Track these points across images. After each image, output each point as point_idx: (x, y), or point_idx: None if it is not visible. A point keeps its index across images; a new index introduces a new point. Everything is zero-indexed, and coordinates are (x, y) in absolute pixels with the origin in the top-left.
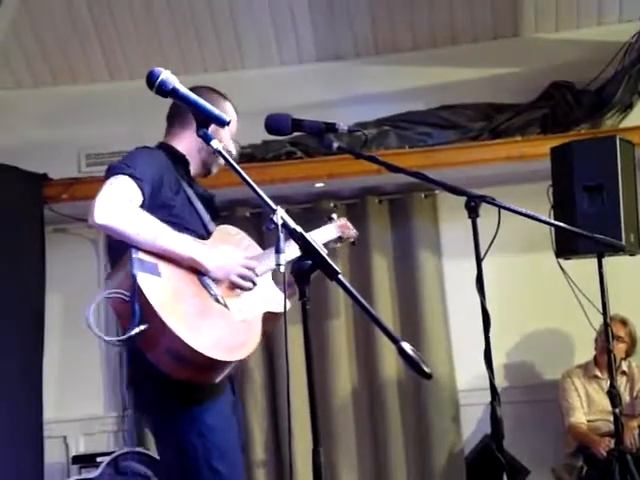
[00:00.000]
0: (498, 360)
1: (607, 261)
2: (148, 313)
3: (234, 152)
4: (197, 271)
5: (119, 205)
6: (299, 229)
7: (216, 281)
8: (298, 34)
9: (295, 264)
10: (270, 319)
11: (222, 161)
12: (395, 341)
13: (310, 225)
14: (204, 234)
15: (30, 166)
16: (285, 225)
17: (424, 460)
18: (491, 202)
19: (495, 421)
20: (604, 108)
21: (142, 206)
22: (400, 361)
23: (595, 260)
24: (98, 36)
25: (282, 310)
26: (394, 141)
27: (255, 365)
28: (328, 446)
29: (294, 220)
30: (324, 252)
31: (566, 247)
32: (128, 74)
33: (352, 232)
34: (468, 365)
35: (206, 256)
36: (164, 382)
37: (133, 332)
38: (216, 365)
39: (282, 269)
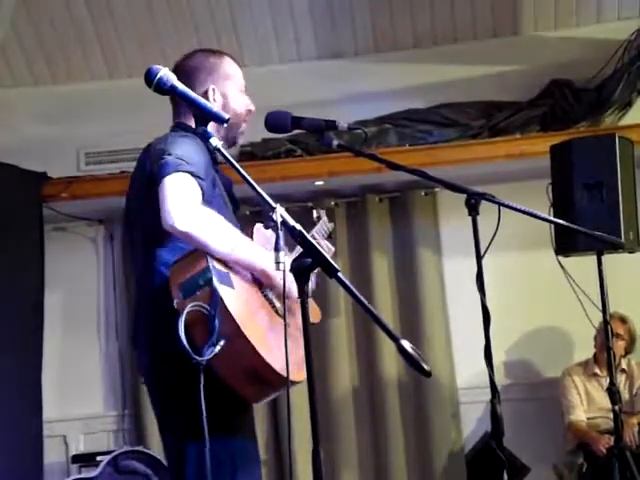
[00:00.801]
0: (498, 358)
1: (606, 258)
2: (230, 329)
3: (251, 107)
4: (259, 282)
5: (198, 211)
6: (298, 227)
7: (274, 293)
8: (298, 32)
9: (295, 262)
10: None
11: (245, 127)
12: (395, 339)
13: (310, 223)
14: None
15: (29, 165)
16: (284, 223)
17: (424, 458)
18: (491, 200)
19: (495, 419)
20: (603, 106)
21: None
22: (400, 359)
23: (594, 257)
24: (97, 35)
25: (316, 321)
26: (394, 139)
27: None
28: (328, 445)
29: (294, 218)
30: (328, 250)
31: (566, 245)
32: (127, 72)
33: (330, 225)
34: (468, 363)
35: (274, 272)
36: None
37: (217, 349)
38: (284, 385)
39: (281, 267)
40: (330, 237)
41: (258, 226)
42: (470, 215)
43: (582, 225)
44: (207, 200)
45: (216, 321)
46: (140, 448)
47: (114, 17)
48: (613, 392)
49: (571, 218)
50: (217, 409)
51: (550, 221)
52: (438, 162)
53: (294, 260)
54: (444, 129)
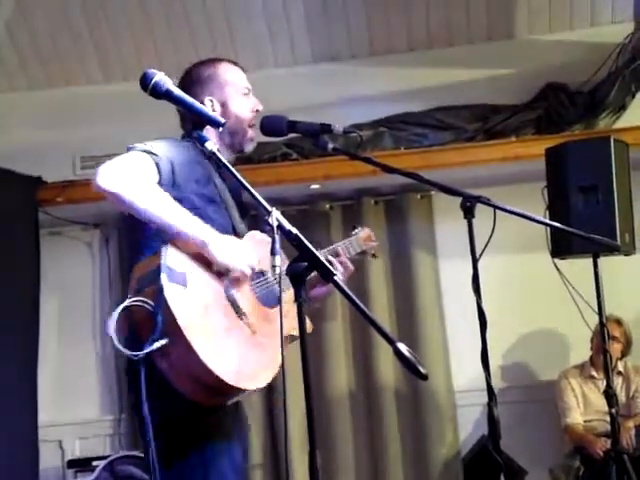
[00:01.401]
0: (494, 361)
1: (602, 261)
2: (172, 329)
3: (258, 107)
4: (223, 281)
5: (130, 173)
6: (294, 231)
7: (243, 296)
8: (293, 35)
9: (290, 266)
10: (289, 340)
11: (253, 133)
12: (391, 342)
13: (306, 227)
14: (230, 233)
15: (24, 169)
16: (280, 227)
17: (421, 461)
18: (487, 202)
19: (492, 422)
20: (598, 109)
21: (159, 184)
22: (397, 362)
23: (590, 260)
24: (92, 39)
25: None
26: (389, 142)
27: None
28: (325, 448)
29: (290, 222)
30: (343, 269)
31: (561, 247)
32: (122, 76)
33: (373, 244)
34: (464, 366)
35: (219, 241)
36: (176, 421)
37: (155, 346)
38: (234, 391)
39: (277, 270)
40: (374, 256)
41: (252, 233)
42: (466, 218)
43: (578, 228)
44: (184, 197)
45: (159, 318)
46: (136, 453)
47: (109, 22)
48: (610, 395)
49: (567, 221)
50: (181, 413)
51: (546, 224)
52: (433, 165)
53: (290, 264)
54: (439, 132)
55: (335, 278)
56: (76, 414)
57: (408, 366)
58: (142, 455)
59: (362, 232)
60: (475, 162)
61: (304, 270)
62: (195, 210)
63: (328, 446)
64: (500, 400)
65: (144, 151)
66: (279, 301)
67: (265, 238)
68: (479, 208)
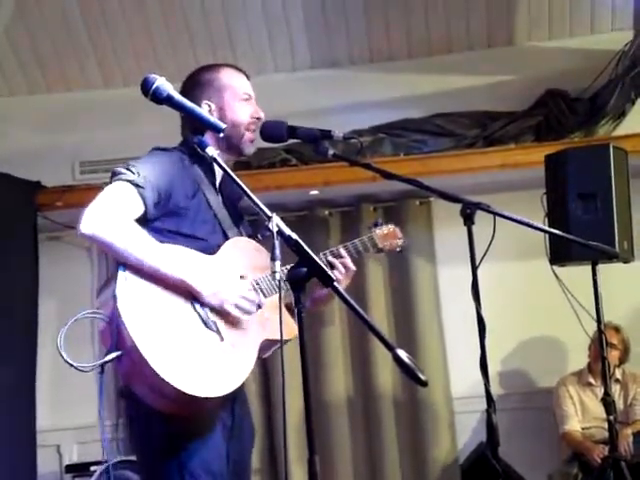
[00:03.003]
0: (493, 367)
1: (601, 268)
2: (125, 340)
3: (258, 115)
4: (191, 294)
5: (109, 216)
6: (294, 236)
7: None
8: (293, 41)
9: (290, 272)
10: (268, 345)
11: (252, 136)
12: (391, 348)
13: (305, 233)
14: (220, 242)
15: (24, 173)
16: (280, 232)
17: (419, 468)
18: (487, 209)
19: (491, 429)
20: (597, 116)
21: (144, 215)
22: (395, 368)
23: (589, 267)
24: (92, 44)
25: (290, 337)
26: (389, 148)
27: (250, 374)
28: (322, 454)
29: (289, 228)
30: (344, 270)
31: (560, 254)
32: (122, 81)
33: (398, 241)
34: (463, 373)
35: (200, 281)
36: (150, 424)
37: (107, 358)
38: (197, 401)
39: (277, 276)
40: (401, 252)
41: (234, 240)
42: (465, 225)
43: (577, 235)
44: (173, 211)
45: (114, 329)
46: (134, 458)
47: (109, 26)
48: (608, 402)
49: (566, 228)
50: (161, 423)
51: (545, 231)
52: (433, 172)
53: (290, 269)
54: (439, 139)
55: (335, 284)
56: (74, 419)
57: (407, 372)
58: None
59: (382, 230)
60: (474, 169)
61: (304, 276)
62: (185, 225)
63: (326, 452)
64: (498, 407)
65: (129, 181)
66: (279, 307)
67: (250, 244)
68: (478, 215)
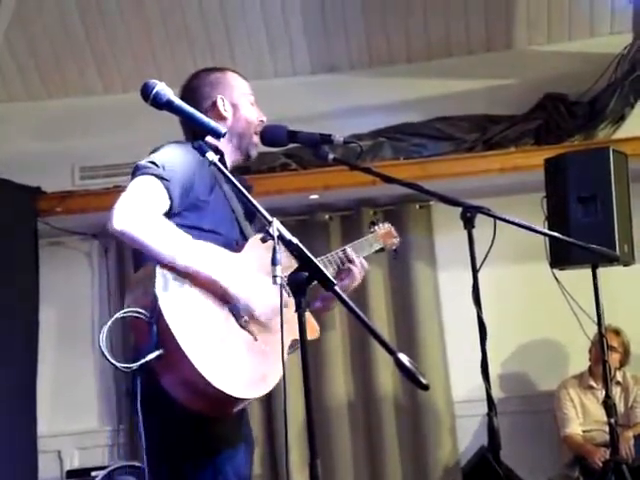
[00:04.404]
0: (493, 371)
1: (601, 271)
2: (167, 339)
3: (262, 118)
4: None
5: (141, 212)
6: (295, 240)
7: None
8: (292, 46)
9: (291, 276)
10: (293, 345)
11: (257, 139)
12: (392, 352)
13: (305, 237)
14: (236, 238)
15: (24, 179)
16: (281, 237)
17: (421, 472)
18: (487, 213)
19: (492, 432)
20: (597, 119)
21: (170, 209)
22: (396, 372)
23: (589, 270)
24: (92, 49)
25: (314, 337)
26: (389, 152)
27: None
28: (323, 458)
29: (289, 232)
30: (361, 269)
31: (561, 257)
32: (122, 87)
33: (395, 240)
34: (464, 376)
35: (234, 284)
36: (184, 427)
37: (149, 357)
38: (233, 401)
39: (278, 280)
40: (396, 252)
41: (257, 237)
42: (466, 228)
43: (577, 238)
44: (194, 205)
45: (154, 329)
46: (135, 463)
47: (108, 32)
48: (609, 405)
49: (566, 231)
50: (186, 425)
51: (545, 234)
52: (433, 175)
53: (290, 274)
54: (439, 143)
55: (336, 288)
56: (75, 425)
57: (409, 376)
58: (141, 465)
59: (381, 228)
60: (474, 172)
61: (305, 280)
62: (206, 220)
63: (327, 455)
64: (499, 410)
65: (155, 175)
66: (280, 309)
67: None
68: (478, 218)
